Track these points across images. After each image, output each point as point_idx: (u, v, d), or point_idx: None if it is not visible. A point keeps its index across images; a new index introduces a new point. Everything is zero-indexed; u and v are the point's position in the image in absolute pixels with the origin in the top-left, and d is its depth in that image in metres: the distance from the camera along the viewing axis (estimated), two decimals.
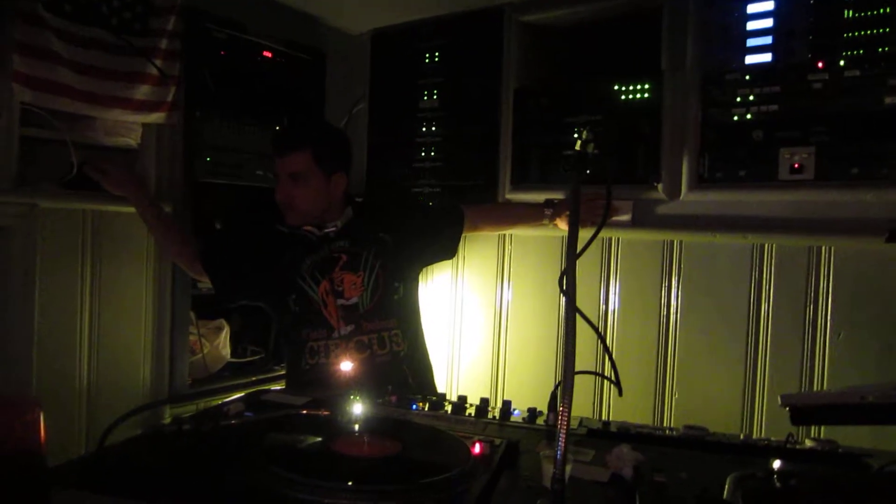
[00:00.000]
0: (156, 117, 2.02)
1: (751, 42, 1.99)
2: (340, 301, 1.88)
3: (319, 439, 1.12)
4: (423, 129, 2.54)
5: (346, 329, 1.87)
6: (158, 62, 1.98)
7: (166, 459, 1.03)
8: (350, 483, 0.95)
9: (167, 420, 1.97)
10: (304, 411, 1.21)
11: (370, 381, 1.63)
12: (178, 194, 2.14)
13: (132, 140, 2.05)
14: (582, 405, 2.15)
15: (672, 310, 2.10)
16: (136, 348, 2.09)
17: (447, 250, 2.17)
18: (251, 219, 2.34)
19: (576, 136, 1.16)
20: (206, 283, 2.24)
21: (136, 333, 2.09)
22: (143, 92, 1.97)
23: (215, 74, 2.23)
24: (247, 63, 2.35)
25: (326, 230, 1.94)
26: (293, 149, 1.88)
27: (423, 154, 2.54)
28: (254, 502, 0.92)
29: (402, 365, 1.93)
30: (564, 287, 0.97)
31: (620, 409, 2.10)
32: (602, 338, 1.16)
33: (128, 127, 2.02)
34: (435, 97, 2.51)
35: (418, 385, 1.94)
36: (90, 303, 1.95)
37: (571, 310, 0.94)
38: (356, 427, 1.15)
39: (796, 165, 1.90)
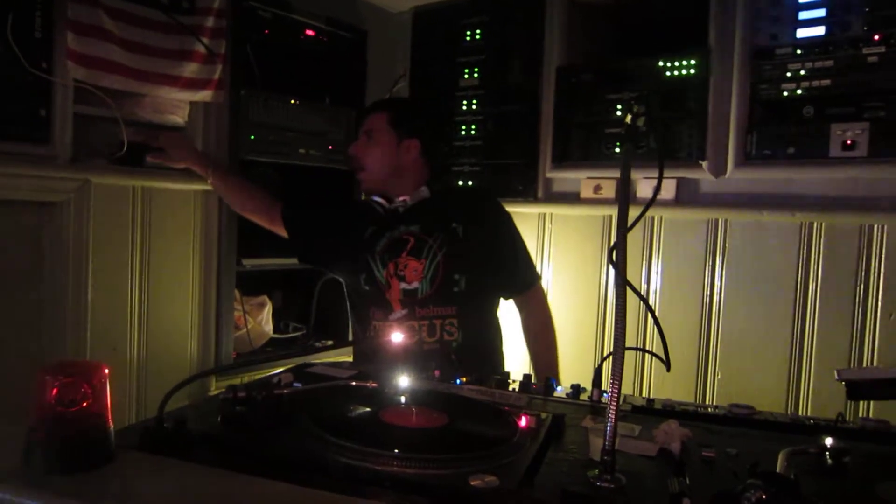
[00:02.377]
0: (203, 95, 2.06)
1: (802, 15, 1.94)
2: (403, 285, 1.90)
3: (368, 409, 1.14)
4: (464, 107, 2.54)
5: (401, 312, 1.89)
6: (205, 40, 2.00)
7: (222, 425, 1.07)
8: (399, 451, 0.96)
9: (213, 392, 2.03)
10: (353, 383, 1.23)
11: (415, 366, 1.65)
12: None
13: (180, 118, 2.09)
14: (625, 383, 2.13)
15: (716, 289, 2.08)
16: (184, 322, 2.15)
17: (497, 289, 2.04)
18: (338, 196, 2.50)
19: (625, 110, 1.14)
20: (251, 261, 2.30)
21: (183, 308, 2.14)
22: (191, 70, 2.00)
23: (259, 53, 2.25)
24: (290, 42, 2.37)
25: (395, 205, 1.96)
26: (373, 110, 2.03)
27: (463, 132, 2.54)
28: (306, 468, 0.94)
29: (450, 354, 1.91)
30: (615, 260, 0.97)
31: (662, 389, 2.09)
32: (651, 309, 1.16)
33: (176, 105, 2.06)
34: (476, 75, 2.50)
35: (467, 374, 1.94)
36: (140, 277, 2.01)
37: (623, 283, 0.94)
38: (403, 399, 1.17)
39: (848, 142, 1.85)
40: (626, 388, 2.14)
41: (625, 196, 1.02)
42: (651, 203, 1.04)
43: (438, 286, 1.89)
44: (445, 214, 1.94)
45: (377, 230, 1.96)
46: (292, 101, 2.38)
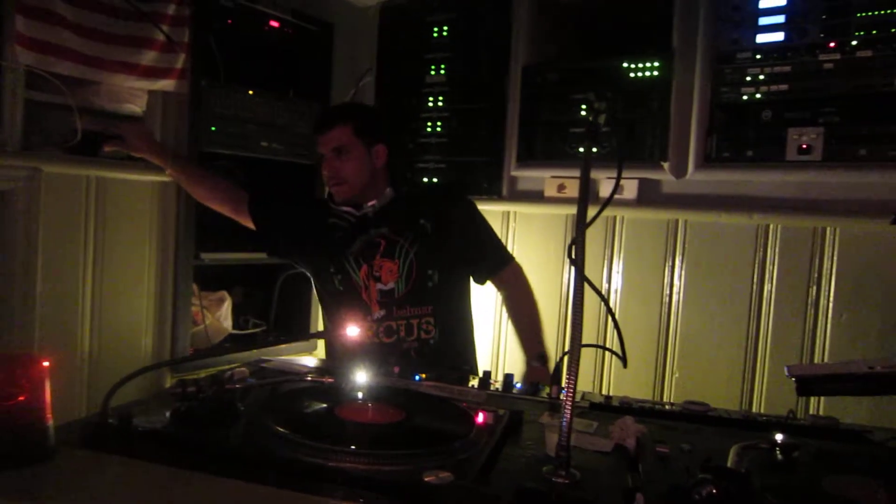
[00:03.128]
0: (163, 84, 2.01)
1: (763, 21, 1.98)
2: (379, 286, 1.91)
3: (324, 405, 1.12)
4: (430, 103, 2.53)
5: (379, 313, 1.91)
6: (165, 28, 1.95)
7: (169, 421, 1.04)
8: (352, 447, 0.95)
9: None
10: (308, 378, 1.21)
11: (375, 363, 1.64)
12: None
13: (137, 107, 2.04)
14: (582, 381, 2.15)
15: (675, 289, 2.10)
16: (139, 316, 2.09)
17: (474, 277, 2.04)
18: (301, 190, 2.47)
19: (586, 107, 1.14)
20: (209, 255, 2.25)
21: (138, 301, 2.09)
22: (149, 58, 1.95)
23: (222, 43, 2.20)
24: (254, 33, 2.33)
25: (364, 211, 1.95)
26: (333, 124, 1.93)
27: (428, 129, 2.53)
28: (256, 464, 0.92)
29: (410, 350, 1.92)
30: (574, 256, 0.97)
31: (621, 386, 2.11)
32: (608, 305, 1.17)
33: (133, 93, 2.00)
34: (442, 72, 2.49)
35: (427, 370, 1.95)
36: (92, 270, 1.95)
37: (580, 278, 0.94)
38: (360, 395, 1.16)
39: (804, 146, 1.90)
40: (586, 386, 2.15)
41: (584, 191, 1.03)
42: (610, 199, 1.05)
43: (413, 284, 1.90)
44: (413, 212, 1.95)
45: (348, 234, 1.96)
46: (255, 94, 2.34)
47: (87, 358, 1.95)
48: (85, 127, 1.86)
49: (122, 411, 1.01)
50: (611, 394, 1.43)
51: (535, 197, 2.35)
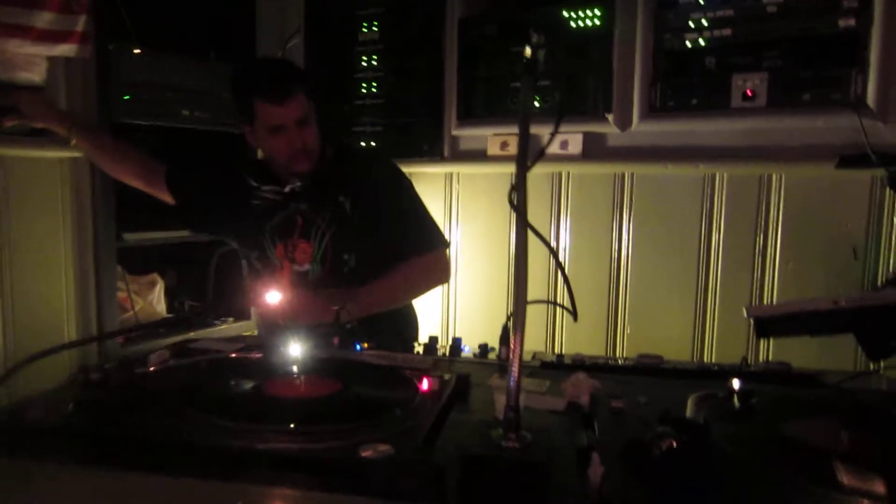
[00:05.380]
0: (63, 49, 1.82)
1: None
2: (295, 267, 1.79)
3: (251, 384, 1.02)
4: (364, 63, 2.40)
5: None
6: None
7: (71, 413, 0.92)
8: (281, 425, 0.85)
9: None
10: (234, 355, 1.11)
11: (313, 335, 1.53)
12: None
13: (36, 76, 1.84)
14: (534, 341, 2.11)
15: (624, 244, 2.06)
16: (57, 304, 1.93)
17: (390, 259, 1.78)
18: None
19: (525, 41, 1.05)
20: (133, 235, 2.10)
21: (56, 290, 1.92)
22: (45, 20, 1.76)
23: (131, 2, 2.02)
24: None
25: (292, 185, 1.77)
26: (294, 90, 1.68)
27: (364, 90, 2.40)
28: (170, 453, 0.82)
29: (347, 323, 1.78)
30: (515, 202, 0.89)
31: (574, 345, 2.08)
32: (554, 253, 1.10)
33: (30, 60, 1.81)
34: (375, 28, 2.36)
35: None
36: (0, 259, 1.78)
37: (523, 224, 0.86)
38: (292, 369, 1.06)
39: (749, 92, 1.86)
40: (538, 346, 2.11)
41: (524, 133, 0.94)
42: (552, 139, 0.96)
43: (329, 268, 1.77)
44: (334, 186, 1.77)
45: (269, 208, 1.80)
46: (172, 57, 2.16)
47: (0, 353, 1.78)
48: None
49: (12, 409, 0.89)
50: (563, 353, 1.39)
51: (478, 156, 2.26)
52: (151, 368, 1.01)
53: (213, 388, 0.99)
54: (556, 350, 2.12)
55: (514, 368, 0.83)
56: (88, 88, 1.93)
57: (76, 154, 1.89)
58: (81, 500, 0.77)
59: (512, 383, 0.83)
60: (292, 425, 0.85)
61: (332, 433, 0.84)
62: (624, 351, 2.07)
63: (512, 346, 0.83)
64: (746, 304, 0.97)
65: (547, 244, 0.85)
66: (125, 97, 2.03)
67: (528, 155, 0.90)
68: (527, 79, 0.98)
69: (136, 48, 2.04)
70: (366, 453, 0.78)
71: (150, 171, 1.92)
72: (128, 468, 0.79)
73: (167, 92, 2.15)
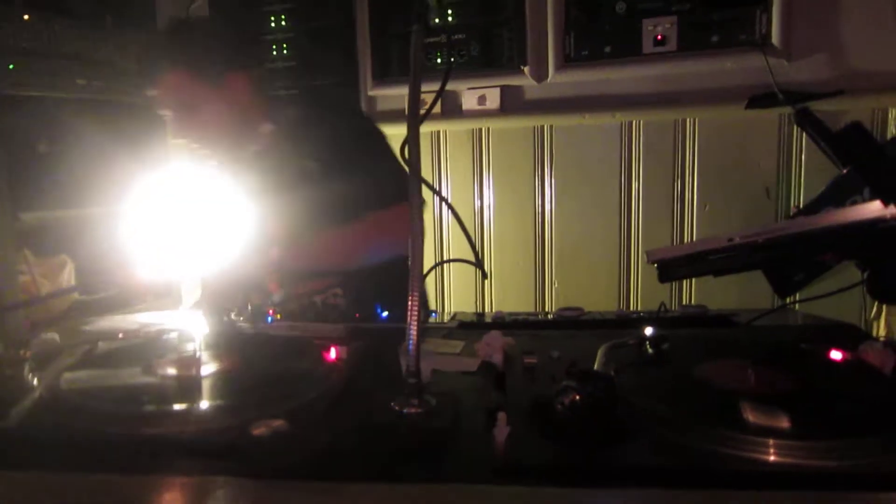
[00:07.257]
0: None
1: None
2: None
3: (139, 365, 0.95)
4: (272, 23, 2.27)
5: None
6: None
7: None
8: (165, 406, 0.80)
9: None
10: (122, 335, 1.04)
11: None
12: None
13: None
14: (462, 302, 2.10)
15: (547, 197, 2.05)
16: None
17: None
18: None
19: None
20: (32, 214, 1.97)
21: None
22: None
23: None
24: None
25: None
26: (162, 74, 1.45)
27: (274, 53, 2.28)
28: (48, 447, 0.75)
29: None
30: (407, 157, 0.84)
31: (502, 305, 2.07)
32: (450, 206, 1.05)
33: None
34: None
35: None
36: None
37: (416, 178, 0.82)
38: (190, 346, 0.99)
39: (659, 37, 1.85)
40: (469, 307, 2.09)
41: (416, 82, 0.90)
42: (446, 81, 0.92)
43: None
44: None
45: None
46: (63, 23, 2.00)
47: None
48: None
49: None
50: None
51: (397, 116, 2.19)
52: (27, 354, 0.93)
53: (99, 372, 0.92)
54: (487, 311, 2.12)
55: (413, 330, 0.79)
56: None
57: None
58: None
59: (411, 347, 0.79)
60: (178, 406, 0.80)
61: (217, 412, 0.79)
62: (553, 306, 2.08)
63: (409, 304, 0.80)
64: (648, 249, 0.96)
65: (439, 195, 0.81)
66: (10, 66, 1.88)
67: (419, 109, 0.85)
68: (417, 27, 0.93)
69: (25, 14, 1.88)
70: (257, 431, 0.73)
71: None
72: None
73: (59, 60, 2.00)
